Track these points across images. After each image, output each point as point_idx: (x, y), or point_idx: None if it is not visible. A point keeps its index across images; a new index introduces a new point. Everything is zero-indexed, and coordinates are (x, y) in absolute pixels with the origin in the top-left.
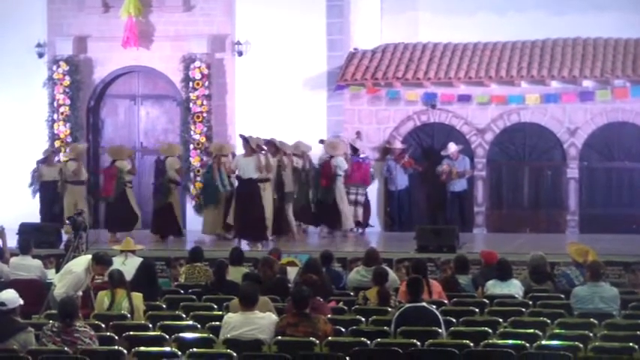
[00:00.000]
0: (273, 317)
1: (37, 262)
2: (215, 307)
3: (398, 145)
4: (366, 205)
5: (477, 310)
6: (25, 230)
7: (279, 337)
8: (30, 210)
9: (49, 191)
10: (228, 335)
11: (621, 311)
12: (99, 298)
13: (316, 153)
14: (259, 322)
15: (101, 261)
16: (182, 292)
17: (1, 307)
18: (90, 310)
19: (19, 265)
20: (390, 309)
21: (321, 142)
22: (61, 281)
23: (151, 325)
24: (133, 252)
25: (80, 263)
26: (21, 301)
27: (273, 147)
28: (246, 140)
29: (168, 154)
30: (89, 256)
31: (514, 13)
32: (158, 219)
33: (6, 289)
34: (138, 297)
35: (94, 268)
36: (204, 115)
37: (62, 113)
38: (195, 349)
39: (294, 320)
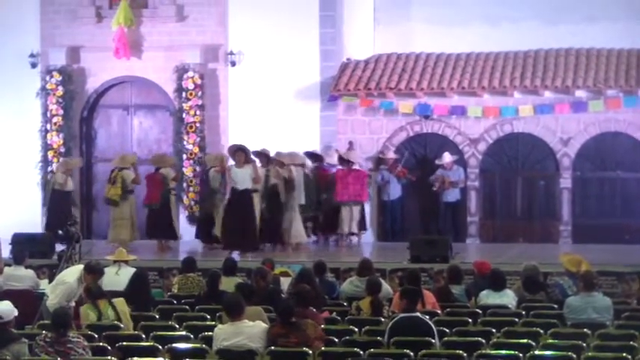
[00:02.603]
0: (262, 325)
1: (30, 272)
2: (208, 317)
3: (391, 155)
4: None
5: (470, 320)
6: (18, 240)
7: (272, 348)
8: (23, 220)
9: (63, 200)
10: (220, 346)
11: (614, 321)
12: (83, 312)
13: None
14: (249, 331)
15: (92, 270)
16: (175, 302)
17: None
18: (83, 320)
19: (12, 275)
20: (383, 319)
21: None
22: (53, 292)
23: (144, 336)
24: (126, 262)
25: (72, 273)
26: (16, 312)
27: (265, 158)
28: (244, 151)
29: (212, 165)
30: (81, 266)
31: (507, 23)
32: (204, 228)
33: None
34: (120, 302)
35: (85, 278)
36: (197, 125)
37: (55, 123)
38: None
39: (283, 330)
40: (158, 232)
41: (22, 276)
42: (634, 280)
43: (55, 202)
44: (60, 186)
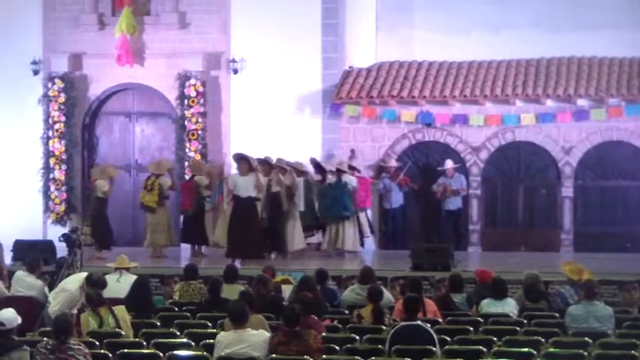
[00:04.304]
0: (265, 334)
1: (39, 283)
2: (209, 324)
3: (393, 163)
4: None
5: (471, 328)
6: (20, 247)
7: (273, 356)
8: (24, 226)
9: (105, 209)
10: (222, 353)
11: (616, 330)
12: (83, 320)
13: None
14: (252, 339)
15: (95, 284)
16: (176, 309)
17: (0, 327)
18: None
19: (22, 280)
20: (384, 327)
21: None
22: (55, 299)
23: (145, 343)
24: (128, 269)
25: (74, 281)
26: (19, 320)
27: (267, 166)
28: (245, 159)
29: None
30: (83, 274)
31: (509, 32)
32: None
33: (3, 307)
34: (121, 309)
35: (87, 289)
36: (200, 132)
37: (57, 130)
38: None
39: (285, 339)
40: (191, 237)
41: (31, 284)
42: (635, 288)
43: (100, 210)
44: (104, 194)
